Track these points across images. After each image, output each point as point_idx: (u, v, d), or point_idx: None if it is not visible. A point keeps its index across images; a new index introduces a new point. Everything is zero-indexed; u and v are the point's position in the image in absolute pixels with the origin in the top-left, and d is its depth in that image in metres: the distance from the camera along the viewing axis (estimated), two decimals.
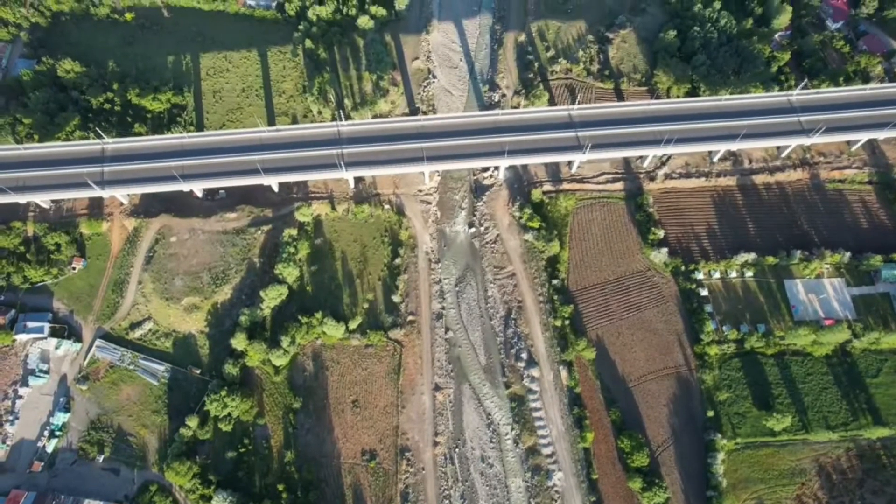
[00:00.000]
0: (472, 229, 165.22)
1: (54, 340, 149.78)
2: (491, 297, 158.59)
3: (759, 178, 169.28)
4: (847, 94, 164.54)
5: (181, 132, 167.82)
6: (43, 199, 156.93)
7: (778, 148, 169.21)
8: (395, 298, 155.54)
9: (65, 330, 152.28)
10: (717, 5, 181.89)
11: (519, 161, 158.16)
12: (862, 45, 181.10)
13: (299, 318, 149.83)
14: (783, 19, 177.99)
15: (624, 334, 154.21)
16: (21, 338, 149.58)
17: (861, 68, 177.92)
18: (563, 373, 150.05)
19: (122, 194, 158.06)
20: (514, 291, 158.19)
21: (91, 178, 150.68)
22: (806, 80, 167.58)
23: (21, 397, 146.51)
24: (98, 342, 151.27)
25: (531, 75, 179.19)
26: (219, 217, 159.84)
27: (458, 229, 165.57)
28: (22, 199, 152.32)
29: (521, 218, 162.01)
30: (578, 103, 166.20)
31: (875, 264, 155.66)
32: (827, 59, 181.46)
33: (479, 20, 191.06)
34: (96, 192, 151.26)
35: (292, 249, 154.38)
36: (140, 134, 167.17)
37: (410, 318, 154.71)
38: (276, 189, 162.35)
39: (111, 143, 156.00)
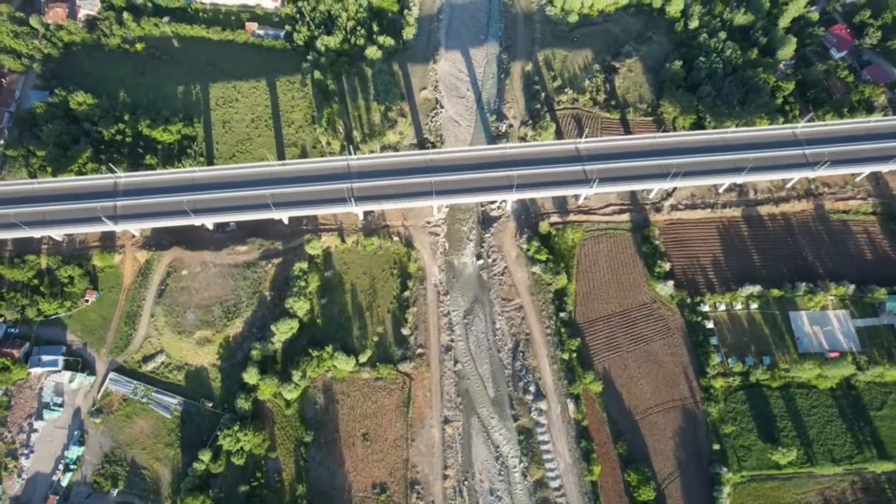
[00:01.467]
0: (480, 261, 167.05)
1: (68, 373, 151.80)
2: (499, 329, 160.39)
3: (764, 209, 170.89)
4: (851, 126, 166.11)
5: (192, 163, 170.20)
6: (57, 234, 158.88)
7: (783, 178, 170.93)
8: (405, 331, 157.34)
9: (78, 363, 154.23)
10: (723, 35, 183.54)
11: (527, 195, 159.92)
12: (865, 75, 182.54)
13: (310, 351, 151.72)
14: (787, 50, 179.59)
15: (630, 367, 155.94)
16: (36, 371, 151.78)
17: (865, 98, 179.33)
18: (571, 406, 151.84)
19: (135, 229, 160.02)
20: (522, 324, 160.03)
21: (104, 213, 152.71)
22: (811, 114, 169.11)
23: (36, 430, 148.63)
24: (111, 375, 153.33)
25: (538, 105, 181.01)
26: (230, 250, 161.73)
27: (466, 261, 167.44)
28: (36, 233, 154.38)
29: (528, 250, 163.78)
30: (585, 134, 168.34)
31: (879, 297, 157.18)
32: (831, 88, 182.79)
33: (486, 49, 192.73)
34: (110, 227, 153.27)
35: (303, 283, 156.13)
36: (151, 165, 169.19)
37: (420, 350, 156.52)
38: (286, 221, 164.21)
39: (124, 178, 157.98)
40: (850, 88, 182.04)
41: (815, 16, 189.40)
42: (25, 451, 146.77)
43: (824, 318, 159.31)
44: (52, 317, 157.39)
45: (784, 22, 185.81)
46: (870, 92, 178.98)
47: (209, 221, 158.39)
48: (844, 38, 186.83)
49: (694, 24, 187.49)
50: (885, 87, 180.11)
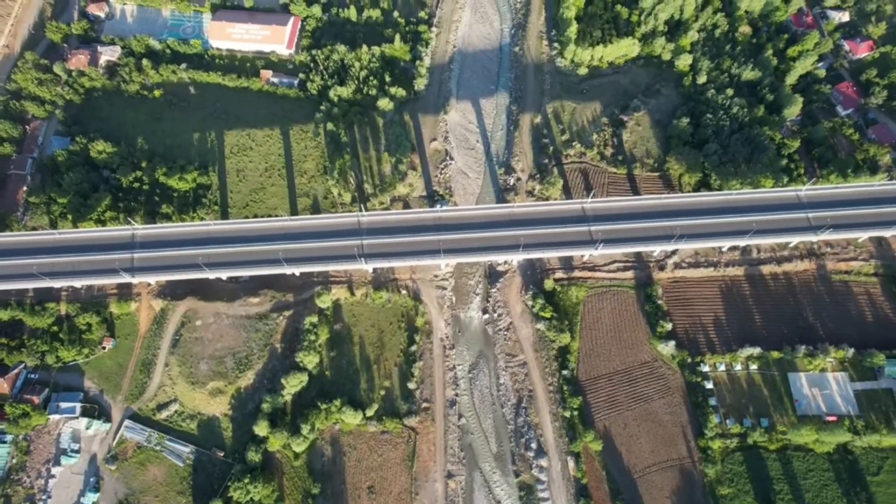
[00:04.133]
0: (486, 315, 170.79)
1: (85, 420, 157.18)
2: (503, 384, 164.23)
3: (767, 269, 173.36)
4: (855, 190, 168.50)
5: (206, 212, 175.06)
6: (77, 284, 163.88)
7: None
8: (411, 385, 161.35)
9: (95, 409, 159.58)
10: (730, 92, 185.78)
11: (533, 255, 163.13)
12: (871, 134, 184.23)
13: (319, 404, 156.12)
14: (794, 109, 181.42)
15: (630, 425, 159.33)
16: (54, 417, 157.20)
17: (870, 157, 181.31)
18: (571, 463, 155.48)
19: (152, 280, 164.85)
20: (526, 380, 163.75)
21: (122, 265, 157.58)
22: (815, 178, 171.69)
23: (53, 476, 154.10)
24: (126, 422, 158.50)
25: (546, 160, 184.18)
26: (242, 301, 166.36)
27: (472, 315, 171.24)
28: (57, 284, 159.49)
29: (533, 307, 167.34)
30: (593, 191, 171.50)
31: (878, 362, 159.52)
32: (836, 145, 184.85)
33: (496, 100, 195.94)
34: (127, 279, 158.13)
35: (313, 337, 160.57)
36: (167, 214, 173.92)
37: (425, 405, 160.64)
38: (297, 274, 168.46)
39: (141, 230, 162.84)
40: (856, 147, 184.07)
41: (822, 72, 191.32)
42: (43, 497, 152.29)
43: (823, 381, 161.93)
44: (71, 363, 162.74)
45: (791, 79, 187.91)
46: (874, 151, 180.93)
47: (222, 275, 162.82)
48: (850, 96, 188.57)
49: (702, 79, 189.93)
50: (889, 147, 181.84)
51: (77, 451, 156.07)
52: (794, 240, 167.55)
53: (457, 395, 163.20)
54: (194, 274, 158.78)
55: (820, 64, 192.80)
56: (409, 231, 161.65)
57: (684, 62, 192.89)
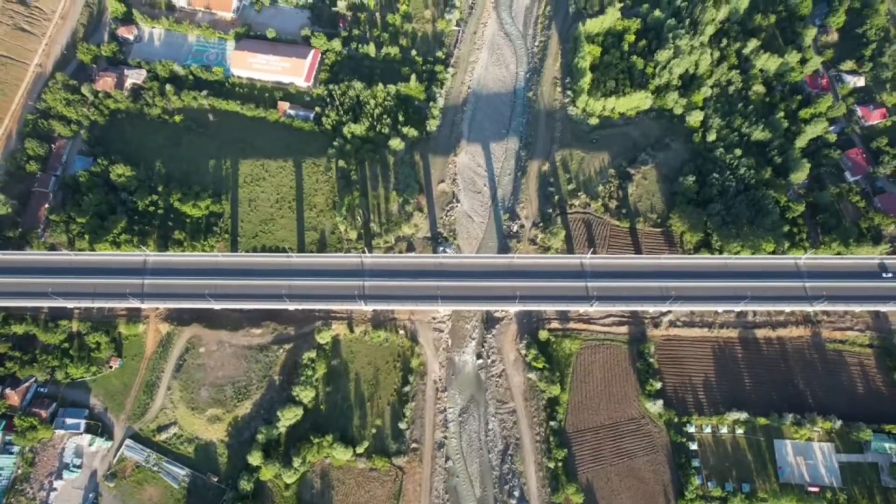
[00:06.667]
0: (480, 360, 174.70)
1: (88, 436, 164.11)
2: (491, 430, 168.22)
3: (761, 332, 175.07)
4: (854, 262, 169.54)
5: (217, 240, 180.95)
6: (89, 305, 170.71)
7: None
8: (402, 425, 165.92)
9: (98, 427, 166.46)
10: (738, 152, 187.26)
11: (530, 307, 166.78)
12: (877, 203, 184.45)
13: (311, 437, 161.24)
14: (800, 175, 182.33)
15: (613, 480, 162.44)
16: (59, 432, 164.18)
17: (874, 225, 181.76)
18: None
19: (160, 306, 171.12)
20: (514, 428, 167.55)
21: (133, 290, 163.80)
22: (816, 247, 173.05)
23: (55, 489, 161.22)
24: (127, 441, 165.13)
25: (550, 209, 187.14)
26: (245, 331, 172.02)
27: (466, 359, 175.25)
28: (69, 304, 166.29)
29: (526, 356, 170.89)
30: (592, 247, 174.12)
31: (865, 437, 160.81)
32: (842, 211, 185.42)
33: (507, 144, 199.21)
34: (137, 304, 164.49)
35: (310, 372, 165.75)
36: (179, 240, 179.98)
37: (414, 445, 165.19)
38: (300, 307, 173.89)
39: (152, 257, 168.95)
40: (861, 214, 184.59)
41: (832, 137, 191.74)
42: None
43: (808, 450, 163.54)
44: (79, 380, 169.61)
45: (801, 142, 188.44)
46: (880, 220, 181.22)
47: (227, 306, 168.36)
48: (860, 163, 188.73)
49: (712, 136, 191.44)
50: (895, 218, 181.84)
51: (79, 466, 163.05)
52: (789, 308, 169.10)
53: (445, 437, 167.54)
54: (200, 304, 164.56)
55: (831, 128, 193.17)
56: (410, 275, 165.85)
57: (695, 118, 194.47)
